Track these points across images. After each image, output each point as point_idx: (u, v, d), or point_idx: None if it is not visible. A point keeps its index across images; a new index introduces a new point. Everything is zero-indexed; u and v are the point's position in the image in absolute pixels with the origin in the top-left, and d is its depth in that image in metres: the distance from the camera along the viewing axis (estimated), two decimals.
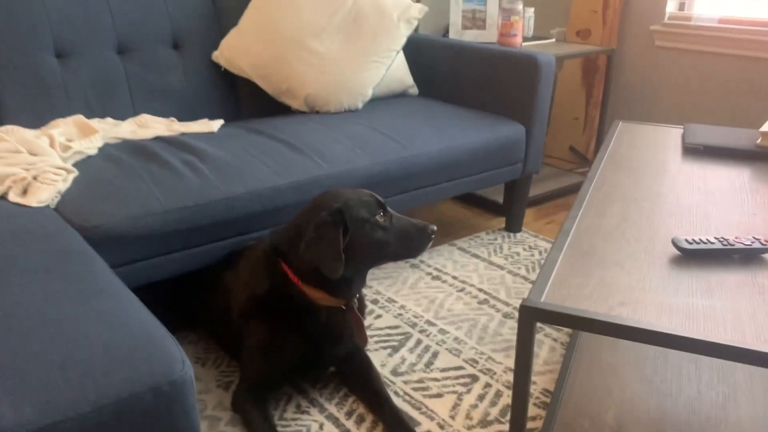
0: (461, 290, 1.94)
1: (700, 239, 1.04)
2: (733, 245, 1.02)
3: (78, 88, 1.87)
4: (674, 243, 1.04)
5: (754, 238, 1.04)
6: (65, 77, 1.85)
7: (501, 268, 2.09)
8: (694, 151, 1.57)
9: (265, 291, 1.40)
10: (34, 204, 1.37)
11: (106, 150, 1.67)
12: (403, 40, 2.17)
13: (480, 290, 1.94)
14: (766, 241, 1.03)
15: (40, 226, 1.28)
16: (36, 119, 1.74)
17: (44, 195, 1.40)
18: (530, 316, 0.87)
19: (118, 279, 1.12)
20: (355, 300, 1.43)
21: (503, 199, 2.44)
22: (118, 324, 0.96)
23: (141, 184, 1.49)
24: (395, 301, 1.87)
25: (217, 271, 1.56)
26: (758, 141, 1.54)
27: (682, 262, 1.02)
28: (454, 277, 2.02)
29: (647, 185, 1.36)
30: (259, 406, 1.38)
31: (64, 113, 1.79)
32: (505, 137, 2.12)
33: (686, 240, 1.04)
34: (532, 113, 2.16)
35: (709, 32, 2.57)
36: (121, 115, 1.91)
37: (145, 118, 1.91)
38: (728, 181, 1.39)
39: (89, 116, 1.82)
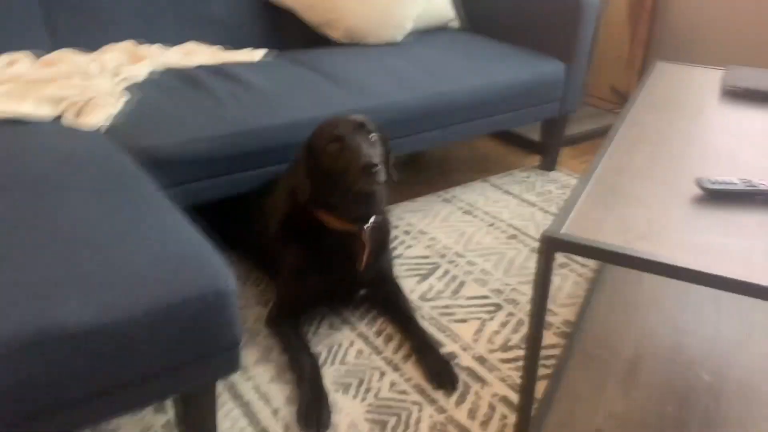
0: (491, 225, 2.00)
1: (723, 180, 1.07)
2: (756, 187, 1.05)
3: (126, 15, 1.92)
4: (698, 183, 1.07)
5: None
6: (114, 3, 1.90)
7: (532, 205, 2.13)
8: (733, 93, 1.56)
9: (289, 216, 1.49)
10: (87, 126, 1.46)
11: (154, 76, 1.74)
12: None
13: (510, 225, 1.99)
14: None
15: (94, 148, 1.37)
16: (87, 45, 1.81)
17: (97, 118, 1.48)
18: (550, 246, 0.92)
19: (167, 199, 1.21)
20: (369, 225, 1.47)
21: (540, 137, 2.45)
22: (168, 239, 1.05)
23: (189, 111, 1.56)
24: (426, 233, 1.94)
25: (256, 197, 1.64)
26: None
27: (704, 201, 1.05)
28: (485, 212, 2.07)
29: (680, 127, 1.37)
30: (290, 322, 1.49)
31: (115, 39, 1.86)
32: (544, 74, 2.12)
33: (710, 180, 1.06)
34: (573, 51, 2.15)
35: None
36: (168, 42, 1.96)
37: (191, 45, 1.96)
38: (763, 125, 1.39)
39: (138, 42, 1.88)
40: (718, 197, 1.05)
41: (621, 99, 3.05)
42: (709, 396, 1.29)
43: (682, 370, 1.35)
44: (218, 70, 1.79)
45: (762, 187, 1.05)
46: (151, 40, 1.94)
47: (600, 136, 2.77)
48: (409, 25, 2.13)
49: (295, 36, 2.20)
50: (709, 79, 1.68)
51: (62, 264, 0.95)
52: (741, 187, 1.05)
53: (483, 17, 2.39)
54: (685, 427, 1.22)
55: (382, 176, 1.35)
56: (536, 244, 1.88)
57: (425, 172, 2.40)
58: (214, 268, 1.01)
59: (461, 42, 2.23)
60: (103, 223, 1.07)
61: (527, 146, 2.59)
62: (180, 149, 1.48)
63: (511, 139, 2.66)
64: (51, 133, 1.42)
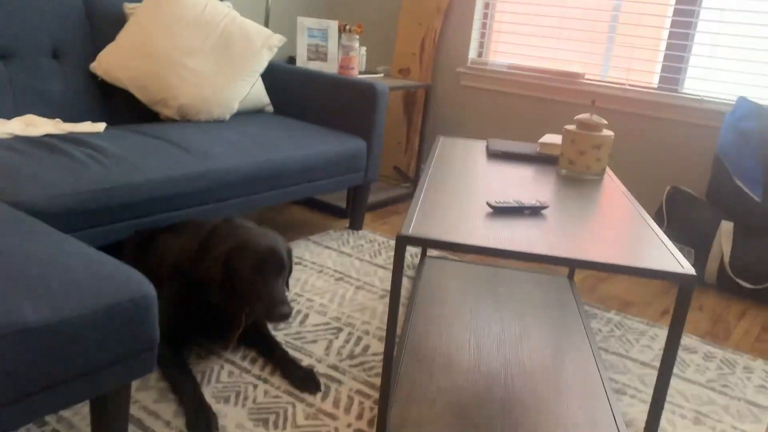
0: (320, 271, 2.33)
1: (503, 201, 1.55)
2: (524, 204, 1.55)
3: None
4: (488, 203, 1.54)
5: (537, 200, 1.58)
6: None
7: (349, 255, 2.51)
8: (495, 155, 2.13)
9: (184, 265, 1.69)
10: None
11: (2, 142, 1.82)
12: (265, 64, 2.55)
13: (335, 271, 2.35)
14: (542, 203, 1.57)
15: None
16: None
17: None
18: (402, 241, 1.29)
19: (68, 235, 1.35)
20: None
21: (347, 203, 2.89)
22: (91, 258, 1.22)
23: (51, 170, 1.69)
24: None
25: (159, 235, 1.81)
26: (538, 149, 2.15)
27: (492, 215, 1.51)
28: (313, 263, 2.40)
29: (466, 174, 1.87)
30: (170, 349, 1.65)
31: None
32: (352, 148, 2.57)
33: (495, 201, 1.54)
34: (372, 130, 2.65)
35: (502, 75, 3.28)
36: (4, 117, 2.04)
37: (32, 117, 2.06)
38: (518, 173, 1.95)
39: None
40: (501, 212, 1.53)
41: (403, 176, 3.66)
42: (504, 379, 1.73)
43: (482, 357, 1.79)
44: (67, 137, 1.93)
45: (527, 204, 1.55)
46: None
47: (392, 204, 3.32)
48: (236, 106, 2.46)
49: (128, 113, 2.39)
50: (476, 147, 2.26)
51: (10, 278, 1.08)
52: (514, 204, 1.54)
53: (294, 103, 2.81)
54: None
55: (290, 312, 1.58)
56: (359, 283, 2.26)
57: None
58: (137, 279, 1.20)
59: (279, 122, 2.61)
60: (29, 248, 1.20)
61: (336, 212, 3.01)
62: (49, 203, 1.61)
63: (323, 207, 3.06)
64: None
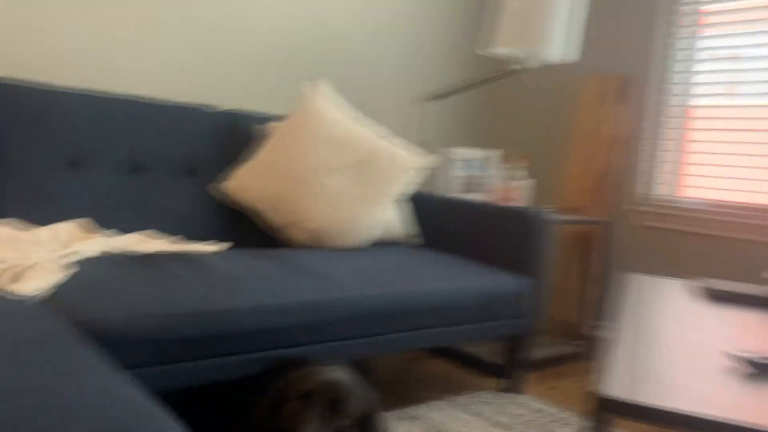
0: None
1: (761, 354, 0.97)
2: None
3: (86, 198, 1.83)
4: (733, 355, 0.97)
5: None
6: (76, 187, 1.82)
7: (508, 428, 1.92)
8: (717, 297, 1.54)
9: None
10: (22, 291, 1.26)
11: (107, 255, 1.58)
12: (411, 188, 2.21)
13: None
14: None
15: (27, 311, 1.16)
16: (39, 220, 1.67)
17: (36, 283, 1.29)
18: (607, 408, 0.76)
19: (105, 361, 0.99)
20: None
21: (504, 357, 2.34)
22: (113, 399, 0.83)
23: (140, 287, 1.39)
24: None
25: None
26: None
27: (738, 372, 0.93)
28: None
29: (680, 319, 1.30)
30: None
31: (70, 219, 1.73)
32: (510, 287, 2.08)
33: (746, 353, 0.96)
34: (537, 267, 2.15)
35: (697, 214, 2.68)
36: (126, 231, 1.84)
37: (150, 233, 1.85)
38: (744, 318, 1.34)
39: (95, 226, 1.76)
40: (763, 369, 0.94)
41: (571, 332, 3.03)
42: None
43: None
44: (176, 256, 1.66)
45: None
46: (108, 227, 1.82)
47: (560, 364, 2.69)
48: (375, 233, 2.11)
49: (256, 237, 2.13)
50: (677, 287, 1.68)
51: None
52: None
53: (445, 237, 2.41)
54: None
55: None
56: None
57: (381, 388, 2.19)
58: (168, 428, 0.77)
59: (423, 254, 2.21)
60: (34, 382, 0.84)
61: (487, 368, 2.45)
62: (127, 324, 1.28)
63: (470, 361, 2.53)
64: None
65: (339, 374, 1.25)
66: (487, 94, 3.43)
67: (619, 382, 0.83)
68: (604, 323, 1.37)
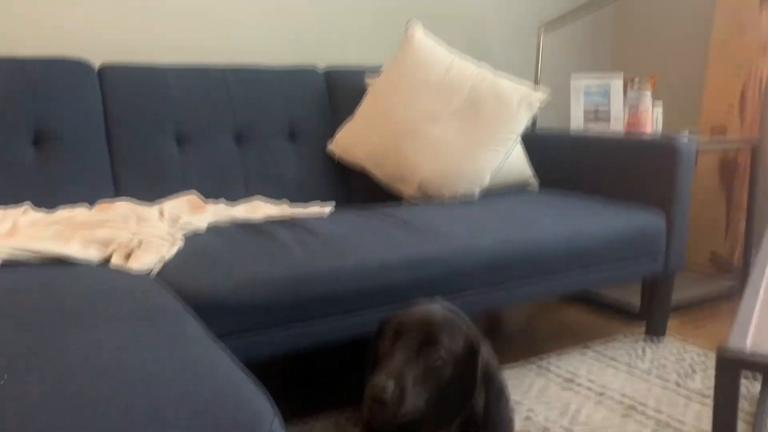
0: (600, 396, 1.64)
1: None
2: None
3: (194, 172, 1.88)
4: None
5: None
6: (183, 161, 1.87)
7: (647, 373, 1.77)
8: None
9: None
10: (135, 268, 1.31)
11: (215, 227, 1.62)
12: (522, 126, 2.05)
13: (624, 397, 1.63)
14: None
15: (137, 286, 1.20)
16: (150, 198, 1.75)
17: (147, 259, 1.33)
18: (731, 365, 0.63)
19: (210, 335, 0.99)
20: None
21: (641, 300, 2.16)
22: (201, 374, 0.82)
23: (246, 254, 1.40)
24: (521, 403, 1.60)
25: None
26: None
27: None
28: (591, 382, 1.72)
29: None
30: None
31: (179, 194, 1.79)
32: (642, 223, 1.89)
33: None
34: (672, 200, 1.94)
35: None
36: (234, 199, 1.88)
37: (258, 201, 1.87)
38: None
39: (203, 198, 1.80)
40: None
41: (723, 267, 2.74)
42: None
43: None
44: (284, 221, 1.66)
45: None
46: (217, 197, 1.86)
47: (709, 303, 2.44)
48: (486, 179, 1.99)
49: (365, 194, 2.09)
50: None
51: (65, 399, 0.73)
52: None
53: (564, 177, 2.24)
54: None
55: (395, 412, 1.06)
56: (661, 417, 1.51)
57: (510, 338, 2.11)
58: (255, 410, 0.75)
59: (544, 198, 2.07)
60: (125, 353, 0.86)
61: (626, 313, 2.27)
62: (233, 292, 1.29)
63: (605, 305, 2.36)
64: (94, 274, 1.27)
65: (435, 310, 1.19)
66: (607, 14, 3.12)
67: (751, 333, 0.69)
68: (757, 256, 1.19)
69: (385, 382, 1.05)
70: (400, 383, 1.06)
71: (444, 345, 1.13)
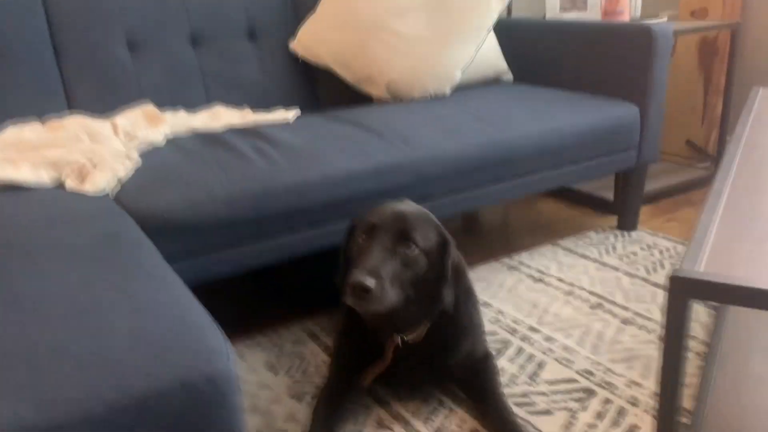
0: (569, 293, 1.67)
1: None
2: None
3: (149, 79, 1.78)
4: None
5: None
6: (137, 68, 1.77)
7: (615, 269, 1.80)
8: None
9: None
10: (90, 191, 1.26)
11: (173, 140, 1.55)
12: (494, 16, 1.95)
13: (591, 293, 1.67)
14: None
15: (92, 211, 1.16)
16: (104, 109, 1.67)
17: (102, 182, 1.28)
18: (685, 292, 0.62)
19: (166, 267, 0.97)
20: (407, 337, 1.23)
21: (614, 193, 2.16)
22: (155, 312, 0.80)
23: (205, 170, 1.35)
24: (490, 305, 1.63)
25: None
26: None
27: None
28: (560, 279, 1.75)
29: None
30: (328, 410, 1.20)
31: (135, 104, 1.71)
32: (616, 118, 1.85)
33: None
34: (647, 91, 1.88)
35: None
36: (194, 107, 1.80)
37: (218, 108, 1.79)
38: None
39: (161, 107, 1.72)
40: None
41: (699, 154, 2.73)
42: None
43: None
44: (246, 130, 1.60)
45: None
46: (176, 105, 1.78)
47: (682, 191, 2.46)
48: (457, 76, 1.92)
49: (332, 96, 2.02)
50: None
51: (12, 347, 0.71)
52: None
53: (540, 67, 2.16)
54: None
55: (378, 302, 1.07)
56: (627, 314, 1.55)
57: (484, 237, 2.12)
58: (208, 348, 0.74)
59: (517, 92, 2.00)
60: (77, 294, 0.84)
61: (600, 206, 2.28)
62: (192, 211, 1.26)
63: (581, 199, 2.37)
64: (47, 200, 1.22)
65: (406, 208, 1.19)
66: None
67: (708, 249, 0.68)
68: (732, 141, 1.16)
69: (366, 275, 1.06)
70: (379, 276, 1.07)
71: (417, 240, 1.14)
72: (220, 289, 1.74)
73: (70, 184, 1.29)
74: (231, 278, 1.38)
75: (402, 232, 1.13)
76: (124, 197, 1.26)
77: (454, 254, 1.21)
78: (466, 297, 1.25)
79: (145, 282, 0.88)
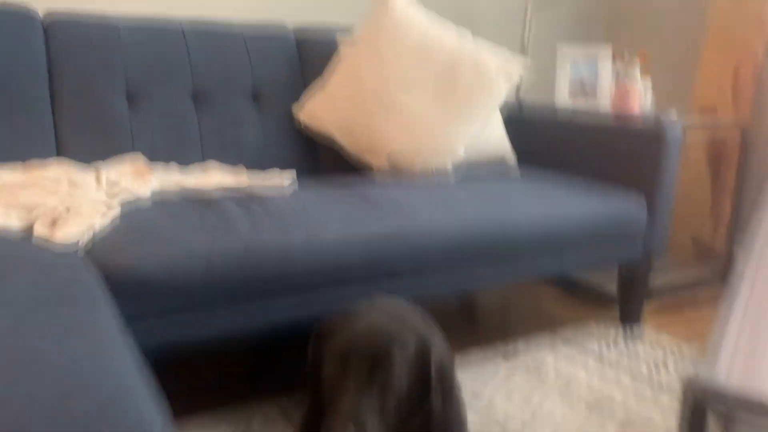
0: (565, 389, 1.55)
1: None
2: None
3: (145, 131, 1.74)
4: None
5: None
6: (133, 120, 1.73)
7: (616, 365, 1.68)
8: None
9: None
10: (61, 239, 1.18)
11: (160, 195, 1.49)
12: (500, 97, 1.92)
13: (590, 390, 1.55)
14: None
15: (54, 261, 1.07)
16: (93, 159, 1.61)
17: (74, 232, 1.20)
18: (699, 401, 0.53)
19: (121, 326, 0.88)
20: None
21: (618, 285, 2.06)
22: (88, 381, 0.70)
23: (186, 227, 1.27)
24: (480, 397, 1.51)
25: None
26: None
27: None
28: (557, 373, 1.63)
29: None
30: None
31: (126, 156, 1.65)
32: (622, 208, 1.79)
33: None
34: (656, 184, 1.83)
35: None
36: (187, 162, 1.75)
37: (212, 166, 1.74)
38: None
39: (153, 161, 1.68)
40: None
41: (704, 252, 2.65)
42: None
43: None
44: (236, 190, 1.54)
45: None
46: (169, 160, 1.73)
47: (687, 289, 2.36)
48: (460, 152, 1.87)
49: (332, 165, 1.96)
50: None
51: None
52: None
53: (545, 155, 2.12)
54: None
55: None
56: (625, 417, 1.43)
57: (479, 321, 2.02)
58: (139, 418, 0.64)
59: (523, 177, 1.95)
60: (2, 348, 0.74)
61: (601, 299, 2.18)
62: (168, 268, 1.18)
63: (579, 290, 2.27)
64: (9, 246, 1.14)
65: (378, 321, 1.06)
66: None
67: (731, 355, 0.59)
68: (741, 242, 1.09)
69: (345, 425, 0.95)
70: (359, 422, 0.96)
71: (395, 362, 1.02)
72: (191, 358, 1.64)
73: (40, 230, 1.21)
74: (205, 350, 1.28)
75: (378, 358, 1.02)
76: (97, 249, 1.18)
77: (438, 356, 1.09)
78: (449, 397, 1.12)
79: (87, 343, 0.78)
